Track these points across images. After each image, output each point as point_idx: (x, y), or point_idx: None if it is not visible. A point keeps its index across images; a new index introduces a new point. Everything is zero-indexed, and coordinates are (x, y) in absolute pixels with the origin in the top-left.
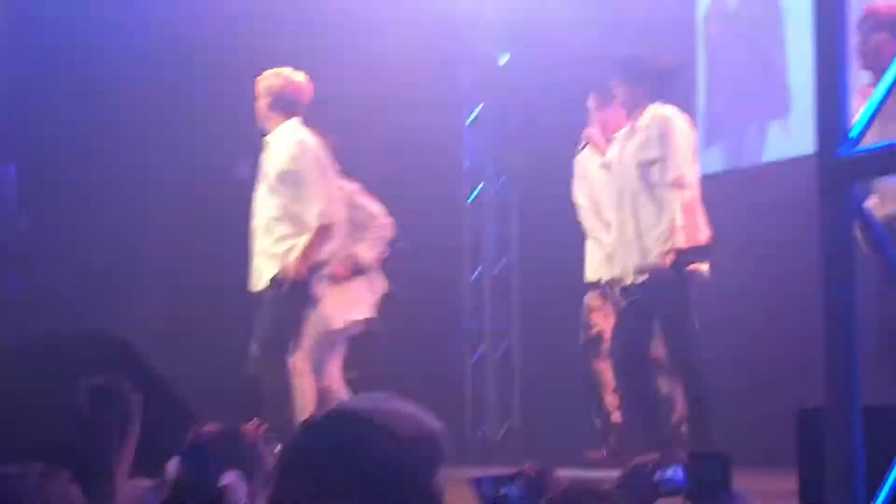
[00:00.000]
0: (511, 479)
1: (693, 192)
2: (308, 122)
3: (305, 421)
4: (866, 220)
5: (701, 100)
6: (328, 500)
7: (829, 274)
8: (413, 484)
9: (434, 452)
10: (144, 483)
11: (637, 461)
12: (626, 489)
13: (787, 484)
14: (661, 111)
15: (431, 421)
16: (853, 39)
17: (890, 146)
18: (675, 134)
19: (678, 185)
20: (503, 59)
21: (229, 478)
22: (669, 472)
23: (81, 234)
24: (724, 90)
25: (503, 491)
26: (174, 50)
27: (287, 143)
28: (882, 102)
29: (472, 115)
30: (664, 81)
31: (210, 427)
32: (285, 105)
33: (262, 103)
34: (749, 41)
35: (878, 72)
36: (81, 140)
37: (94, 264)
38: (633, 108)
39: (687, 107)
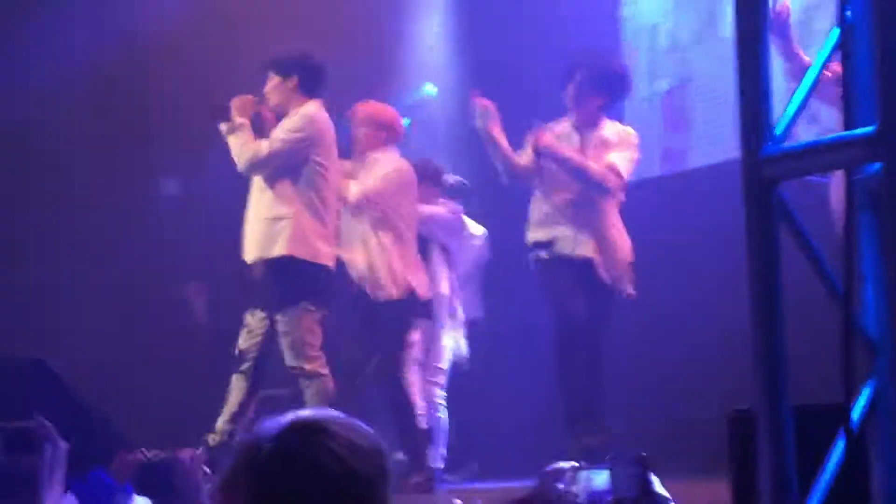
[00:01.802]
0: None
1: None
2: None
3: (258, 430)
4: (791, 218)
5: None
6: None
7: (755, 274)
8: (368, 496)
9: (386, 466)
10: None
11: (553, 468)
12: (542, 497)
13: (720, 488)
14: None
15: (378, 436)
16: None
17: (814, 144)
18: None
19: None
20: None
21: (140, 502)
22: (588, 479)
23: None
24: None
25: None
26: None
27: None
28: (806, 100)
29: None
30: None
31: (138, 454)
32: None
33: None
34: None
35: None
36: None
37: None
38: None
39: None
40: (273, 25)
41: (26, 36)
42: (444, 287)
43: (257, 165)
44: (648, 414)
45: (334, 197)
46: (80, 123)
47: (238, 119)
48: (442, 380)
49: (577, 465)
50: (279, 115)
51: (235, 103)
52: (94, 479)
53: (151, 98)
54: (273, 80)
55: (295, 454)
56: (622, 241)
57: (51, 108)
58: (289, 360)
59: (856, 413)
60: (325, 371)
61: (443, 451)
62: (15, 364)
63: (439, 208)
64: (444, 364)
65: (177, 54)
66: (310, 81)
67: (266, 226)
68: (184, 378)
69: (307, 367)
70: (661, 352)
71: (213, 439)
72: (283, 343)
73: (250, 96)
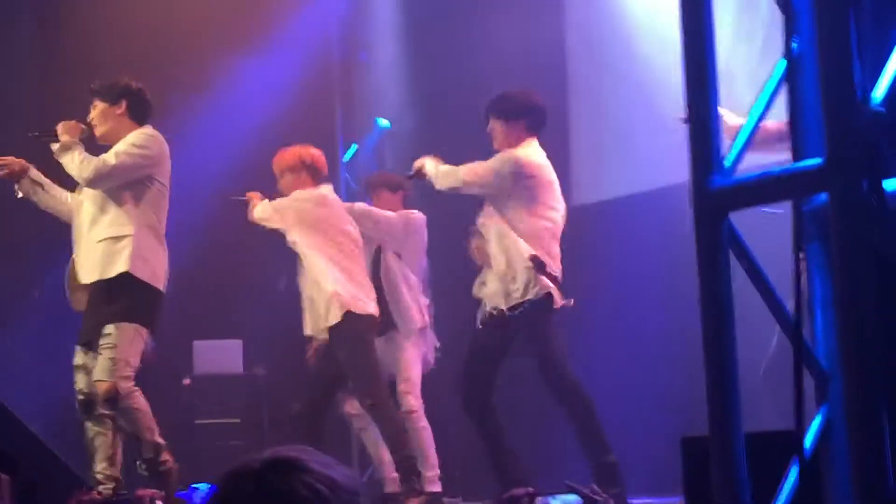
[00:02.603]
0: None
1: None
2: None
3: (238, 467)
4: (741, 248)
5: (573, 135)
6: None
7: (706, 302)
8: None
9: (359, 501)
10: None
11: (512, 493)
12: None
13: None
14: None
15: (353, 471)
16: None
17: (763, 175)
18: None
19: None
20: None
21: None
22: None
23: None
24: (593, 124)
25: None
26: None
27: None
28: (755, 128)
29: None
30: (539, 117)
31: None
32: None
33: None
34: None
35: None
36: None
37: None
38: (515, 145)
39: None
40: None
41: None
42: (404, 294)
43: (102, 177)
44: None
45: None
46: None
47: (69, 138)
48: (410, 388)
49: (531, 490)
50: (107, 144)
51: (62, 127)
52: None
53: None
54: (99, 107)
55: (276, 490)
56: None
57: None
58: (98, 374)
59: (808, 439)
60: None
61: (433, 471)
62: None
63: (388, 213)
64: (412, 373)
65: None
66: (138, 108)
67: (106, 246)
68: None
69: (122, 385)
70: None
71: (105, 489)
72: (102, 355)
73: (75, 122)
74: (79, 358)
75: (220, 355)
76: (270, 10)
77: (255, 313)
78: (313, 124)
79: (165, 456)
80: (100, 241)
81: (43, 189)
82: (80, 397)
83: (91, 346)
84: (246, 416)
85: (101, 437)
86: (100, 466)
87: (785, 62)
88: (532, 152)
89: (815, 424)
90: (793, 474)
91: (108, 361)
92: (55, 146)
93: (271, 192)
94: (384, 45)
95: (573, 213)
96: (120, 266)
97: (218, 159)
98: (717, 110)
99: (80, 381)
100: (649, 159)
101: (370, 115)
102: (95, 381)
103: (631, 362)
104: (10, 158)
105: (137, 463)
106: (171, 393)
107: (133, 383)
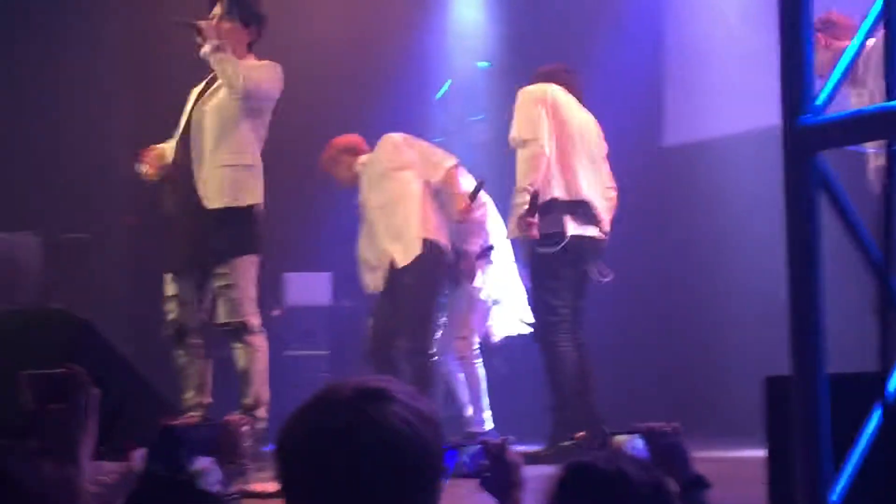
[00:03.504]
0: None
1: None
2: None
3: (326, 394)
4: (832, 188)
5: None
6: (353, 474)
7: (794, 242)
8: (432, 466)
9: (442, 438)
10: (111, 466)
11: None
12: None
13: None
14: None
15: (433, 404)
16: None
17: (855, 114)
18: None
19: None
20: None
21: (202, 462)
22: (633, 445)
23: None
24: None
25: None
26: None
27: None
28: (848, 70)
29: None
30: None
31: (187, 418)
32: None
33: None
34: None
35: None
36: None
37: None
38: None
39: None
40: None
41: None
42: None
43: (250, 92)
44: (682, 381)
45: None
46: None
47: (219, 41)
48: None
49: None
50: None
51: (208, 27)
52: (165, 433)
53: None
54: (228, 24)
55: (370, 419)
56: None
57: None
58: (224, 315)
59: (893, 382)
60: (258, 321)
61: (485, 410)
62: (59, 317)
63: None
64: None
65: None
66: (257, 40)
67: (234, 172)
68: None
69: (251, 321)
70: (698, 320)
71: (192, 416)
72: (224, 295)
73: (215, 24)
74: (170, 287)
75: (310, 287)
76: None
77: (344, 246)
78: (410, 60)
79: (263, 412)
80: (225, 165)
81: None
82: (174, 327)
83: (186, 273)
84: (335, 348)
85: (191, 366)
86: (189, 394)
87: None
88: None
89: None
90: (875, 417)
91: (234, 301)
92: (208, 45)
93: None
94: None
95: (665, 154)
96: (251, 198)
97: (308, 98)
98: (810, 48)
99: (174, 311)
100: (746, 99)
101: (465, 54)
102: (226, 322)
103: (714, 302)
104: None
105: (205, 404)
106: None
107: (255, 313)
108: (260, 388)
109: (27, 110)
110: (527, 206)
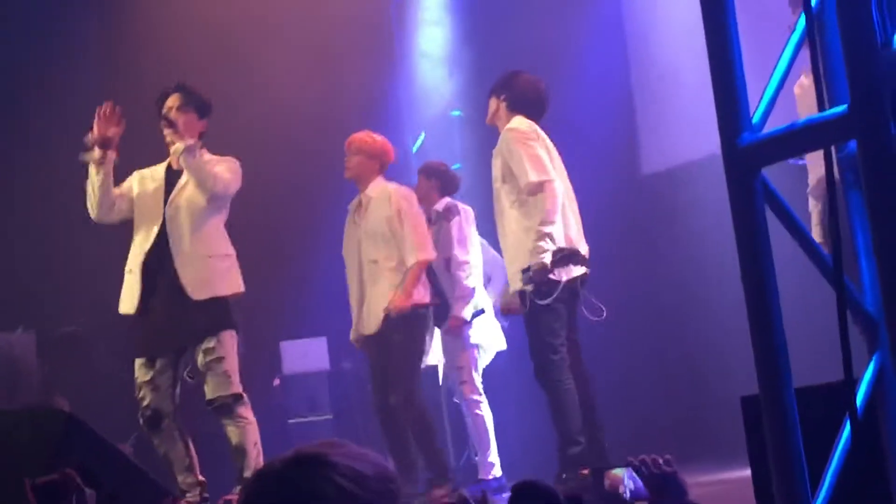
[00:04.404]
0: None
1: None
2: None
3: (262, 467)
4: (777, 201)
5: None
6: None
7: (746, 261)
8: None
9: (393, 490)
10: None
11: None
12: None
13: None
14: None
15: (385, 461)
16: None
17: (789, 128)
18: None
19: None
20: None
21: None
22: (632, 482)
23: None
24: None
25: None
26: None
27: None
28: (780, 84)
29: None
30: (530, 102)
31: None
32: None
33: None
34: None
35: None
36: None
37: None
38: (495, 121)
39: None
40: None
41: None
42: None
43: (220, 193)
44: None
45: None
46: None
47: (192, 140)
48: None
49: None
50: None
51: (180, 123)
52: None
53: None
54: (187, 115)
55: (297, 489)
56: None
57: None
58: (216, 390)
59: (861, 388)
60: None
61: (491, 458)
62: (44, 416)
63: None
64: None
65: None
66: (207, 132)
67: (216, 262)
68: None
69: (235, 390)
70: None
71: (192, 497)
72: (213, 370)
73: (172, 114)
74: (142, 373)
75: (307, 354)
76: (323, 9)
77: (336, 310)
78: (381, 115)
79: None
80: (207, 256)
81: (109, 173)
82: (148, 413)
83: (160, 358)
84: (338, 412)
85: (172, 451)
86: (180, 477)
87: (804, 18)
88: None
89: (869, 372)
90: (847, 427)
91: (222, 375)
92: (181, 144)
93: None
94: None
95: (645, 181)
96: (231, 287)
97: (286, 159)
98: (741, 69)
99: (147, 397)
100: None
101: (437, 105)
102: (216, 396)
103: (701, 324)
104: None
105: (200, 481)
106: (262, 395)
107: (238, 387)
108: (257, 459)
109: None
110: (548, 259)
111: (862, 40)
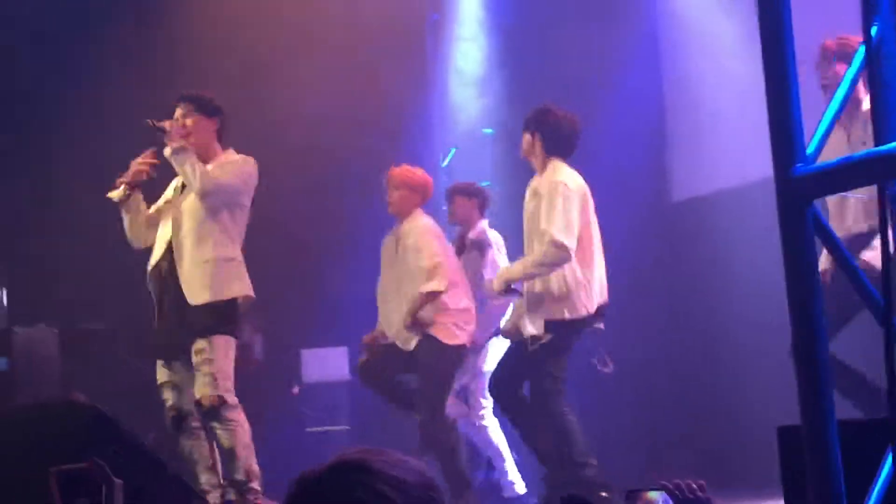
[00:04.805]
0: None
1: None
2: None
3: (304, 473)
4: (827, 235)
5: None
6: None
7: (794, 290)
8: None
9: (435, 498)
10: None
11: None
12: None
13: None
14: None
15: (427, 468)
16: (817, 77)
17: (844, 161)
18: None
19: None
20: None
21: None
22: (663, 500)
23: None
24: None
25: None
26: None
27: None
28: (835, 118)
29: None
30: (564, 139)
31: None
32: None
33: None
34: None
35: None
36: None
37: None
38: (531, 157)
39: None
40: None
41: None
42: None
43: (213, 191)
44: (702, 436)
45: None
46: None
47: (183, 143)
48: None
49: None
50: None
51: (173, 126)
52: None
53: None
54: (194, 117)
55: (338, 496)
56: None
57: None
58: (200, 389)
59: None
60: (235, 400)
61: (510, 474)
62: (72, 410)
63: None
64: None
65: None
66: (225, 130)
67: (217, 266)
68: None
69: (228, 397)
70: (715, 372)
71: (213, 499)
72: (200, 371)
73: (180, 124)
74: (163, 374)
75: (327, 363)
76: (359, 20)
77: (358, 320)
78: (411, 129)
79: (256, 485)
80: (206, 261)
81: (138, 210)
82: (172, 413)
83: (175, 359)
84: (356, 423)
85: (197, 450)
86: (203, 478)
87: (864, 48)
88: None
89: None
90: (888, 463)
91: (207, 376)
92: (170, 146)
93: (368, 195)
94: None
95: (672, 210)
96: (233, 290)
97: (315, 169)
98: (797, 98)
99: (169, 397)
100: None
101: (468, 120)
102: (200, 397)
103: (729, 355)
104: (145, 162)
105: (223, 483)
106: (281, 403)
107: (231, 392)
108: (248, 461)
109: (38, 204)
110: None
111: None
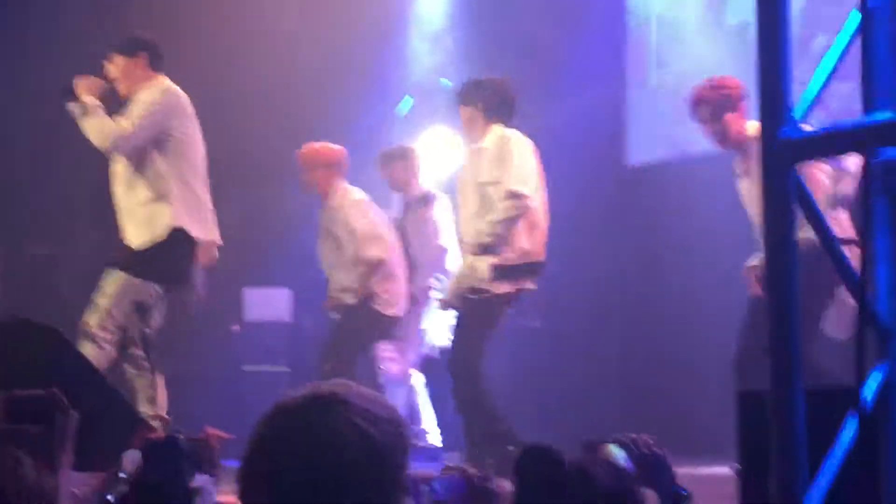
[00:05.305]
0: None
1: (527, 207)
2: None
3: (280, 402)
4: (807, 199)
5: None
6: (302, 481)
7: (772, 254)
8: (387, 467)
9: (405, 435)
10: (83, 478)
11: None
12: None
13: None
14: (500, 132)
15: (394, 407)
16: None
17: (831, 128)
18: (514, 155)
19: (511, 197)
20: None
21: (201, 480)
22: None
23: None
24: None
25: (427, 487)
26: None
27: None
28: (825, 83)
29: None
30: (504, 105)
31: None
32: None
33: None
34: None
35: (737, 148)
36: None
37: None
38: (473, 129)
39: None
40: None
41: None
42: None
43: (121, 144)
44: (652, 400)
45: (205, 168)
46: None
47: (89, 99)
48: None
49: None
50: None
51: (82, 83)
52: (168, 445)
53: None
54: (119, 63)
55: (316, 426)
56: None
57: None
58: (85, 314)
59: (867, 396)
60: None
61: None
62: (31, 330)
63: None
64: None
65: None
66: (156, 58)
67: (151, 208)
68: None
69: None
70: (667, 336)
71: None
72: (95, 298)
73: (96, 78)
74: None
75: (269, 303)
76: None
77: (303, 265)
78: (367, 75)
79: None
80: (138, 204)
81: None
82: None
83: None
84: (295, 366)
85: (139, 378)
86: (142, 408)
87: (859, 15)
88: None
89: (875, 381)
90: (850, 429)
91: (94, 305)
92: (74, 108)
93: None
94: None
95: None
96: (166, 225)
97: (271, 112)
98: (788, 62)
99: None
100: None
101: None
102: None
103: (688, 318)
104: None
105: (166, 417)
106: (220, 340)
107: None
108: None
109: None
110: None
111: None
